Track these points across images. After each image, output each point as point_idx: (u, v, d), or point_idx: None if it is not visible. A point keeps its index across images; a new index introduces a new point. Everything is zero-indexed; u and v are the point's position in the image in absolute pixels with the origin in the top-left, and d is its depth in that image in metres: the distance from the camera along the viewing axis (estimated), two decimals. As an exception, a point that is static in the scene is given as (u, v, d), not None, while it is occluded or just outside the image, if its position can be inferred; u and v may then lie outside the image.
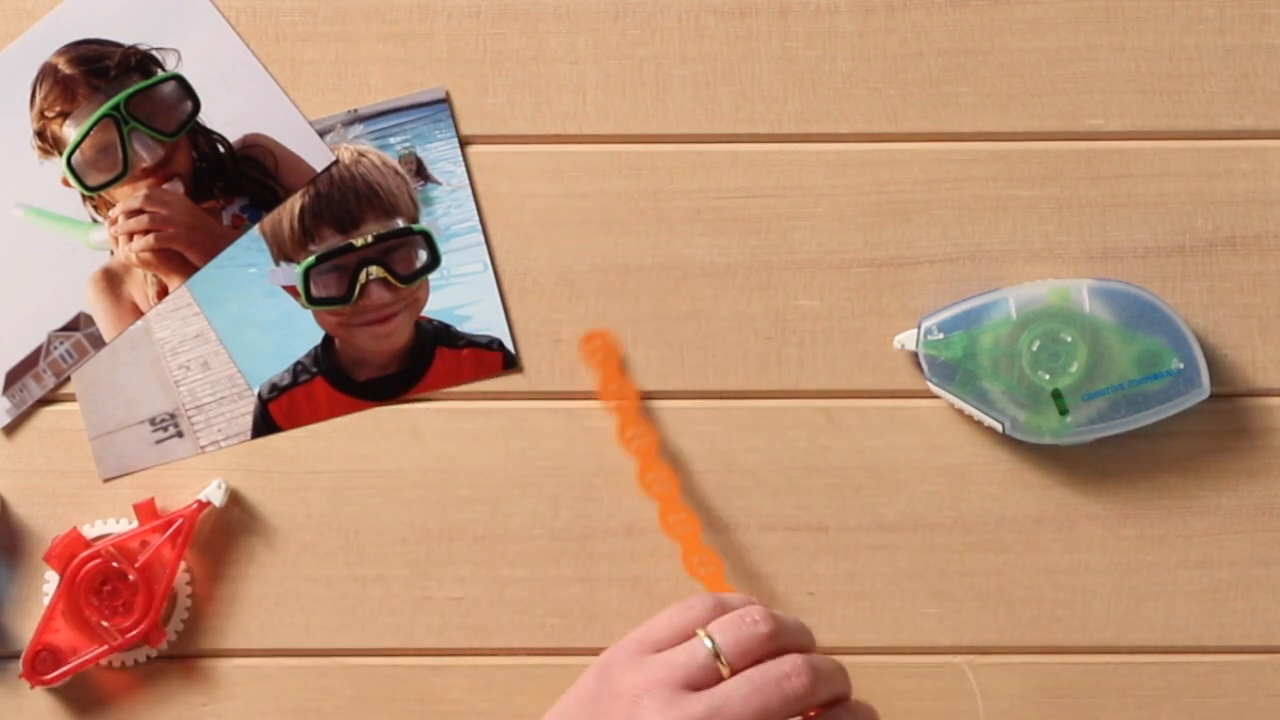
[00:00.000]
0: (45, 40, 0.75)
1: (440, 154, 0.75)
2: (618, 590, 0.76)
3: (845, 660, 0.66)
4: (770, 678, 0.65)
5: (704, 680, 0.65)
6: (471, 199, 0.76)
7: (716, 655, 0.65)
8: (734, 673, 0.65)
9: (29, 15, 0.76)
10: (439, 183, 0.75)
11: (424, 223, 0.76)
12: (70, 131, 0.75)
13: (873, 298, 0.76)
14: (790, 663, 0.65)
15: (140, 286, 0.76)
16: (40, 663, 0.73)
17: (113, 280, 0.76)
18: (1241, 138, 0.76)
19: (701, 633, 0.65)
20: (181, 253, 0.76)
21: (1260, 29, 0.76)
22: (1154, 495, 0.76)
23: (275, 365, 0.76)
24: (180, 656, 0.75)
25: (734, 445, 0.76)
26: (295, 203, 0.76)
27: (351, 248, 0.75)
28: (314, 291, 0.76)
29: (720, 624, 0.66)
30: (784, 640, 0.66)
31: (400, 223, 0.76)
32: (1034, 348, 0.74)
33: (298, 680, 0.75)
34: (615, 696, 0.64)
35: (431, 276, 0.76)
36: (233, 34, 0.76)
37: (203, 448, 0.75)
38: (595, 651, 0.67)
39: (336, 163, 0.76)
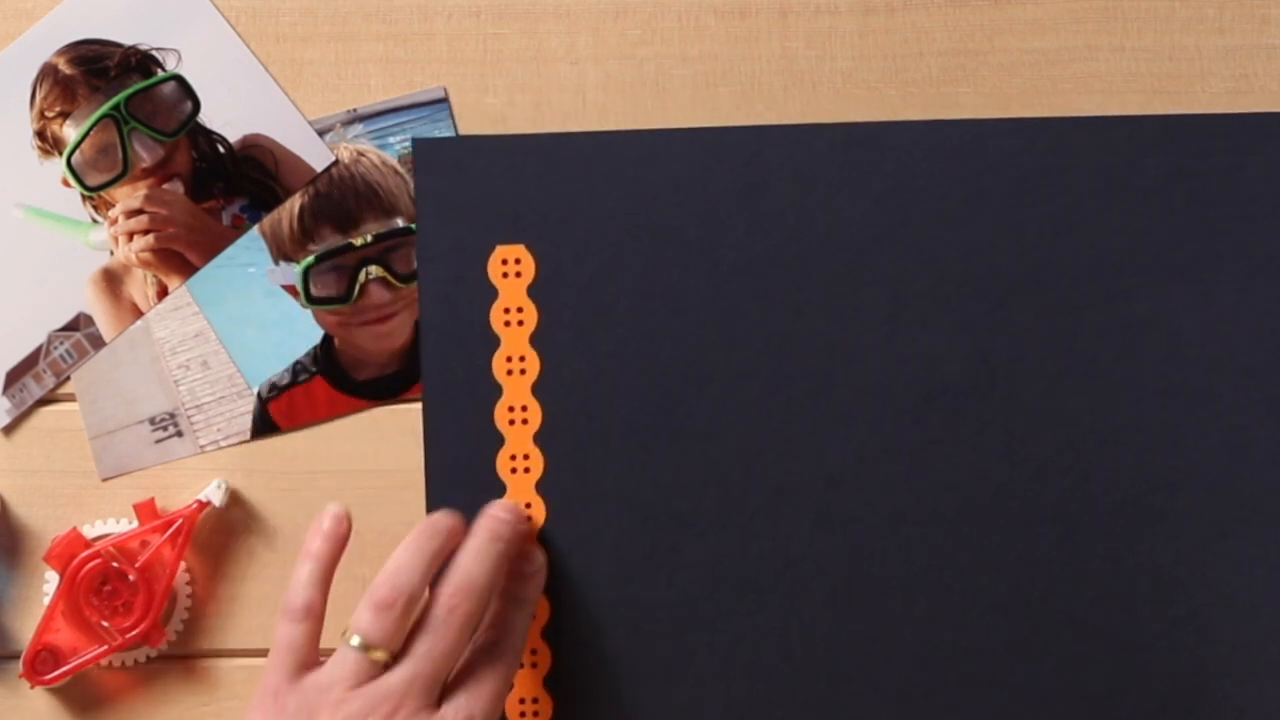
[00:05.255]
0: (45, 40, 0.75)
1: (440, 154, 0.76)
2: (618, 590, 0.76)
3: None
4: (438, 624, 0.65)
5: (370, 677, 0.65)
6: (471, 199, 0.76)
7: (366, 649, 0.65)
8: (392, 654, 0.65)
9: (29, 15, 0.76)
10: (439, 183, 0.75)
11: (424, 223, 0.76)
12: (70, 131, 0.75)
13: (873, 298, 0.76)
14: (441, 605, 0.65)
15: (140, 286, 0.76)
16: (40, 663, 0.73)
17: (113, 280, 0.76)
18: (1241, 138, 0.76)
19: (345, 636, 0.66)
20: (181, 253, 0.76)
21: (1260, 29, 0.76)
22: None
23: (275, 365, 0.76)
24: (180, 656, 0.75)
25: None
26: (295, 202, 0.76)
27: (351, 247, 0.75)
28: (314, 291, 0.76)
29: (354, 622, 0.66)
30: (409, 589, 0.66)
31: (400, 222, 0.76)
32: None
33: (298, 680, 0.75)
34: None
35: (431, 276, 0.76)
36: (233, 34, 0.76)
37: (202, 447, 0.75)
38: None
39: (336, 163, 0.76)
